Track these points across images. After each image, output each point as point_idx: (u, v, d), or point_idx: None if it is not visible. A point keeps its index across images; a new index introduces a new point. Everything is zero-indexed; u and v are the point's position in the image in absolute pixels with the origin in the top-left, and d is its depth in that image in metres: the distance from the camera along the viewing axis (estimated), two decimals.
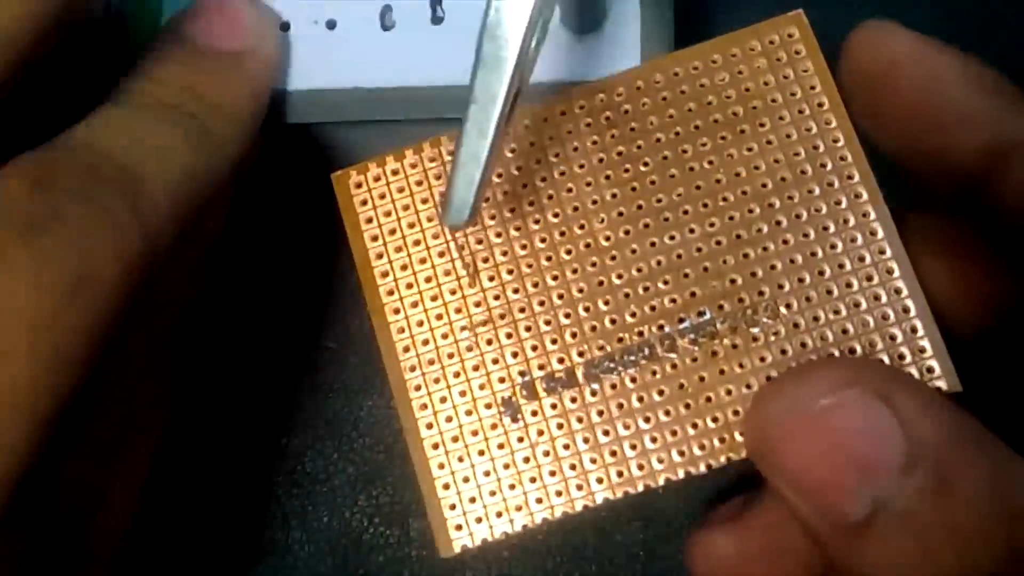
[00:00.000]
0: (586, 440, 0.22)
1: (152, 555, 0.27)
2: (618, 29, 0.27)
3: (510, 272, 0.23)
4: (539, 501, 0.22)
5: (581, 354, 0.22)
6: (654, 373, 0.22)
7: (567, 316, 0.23)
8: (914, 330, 0.22)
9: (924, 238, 0.23)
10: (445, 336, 0.23)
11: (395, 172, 0.24)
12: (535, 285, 0.23)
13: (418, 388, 0.23)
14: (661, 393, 0.22)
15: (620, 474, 0.22)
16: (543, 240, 0.23)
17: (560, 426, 0.22)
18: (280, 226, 0.32)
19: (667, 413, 0.22)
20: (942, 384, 0.21)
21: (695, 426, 0.22)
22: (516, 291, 0.23)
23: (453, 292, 0.23)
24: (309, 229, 0.31)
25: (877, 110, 0.22)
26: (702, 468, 0.22)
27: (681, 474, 0.22)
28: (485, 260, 0.23)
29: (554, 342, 0.22)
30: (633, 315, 0.22)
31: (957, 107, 0.22)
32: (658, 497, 0.30)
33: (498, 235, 0.23)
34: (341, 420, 0.30)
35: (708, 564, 0.25)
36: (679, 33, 0.26)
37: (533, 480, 0.22)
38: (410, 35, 0.27)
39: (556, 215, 0.23)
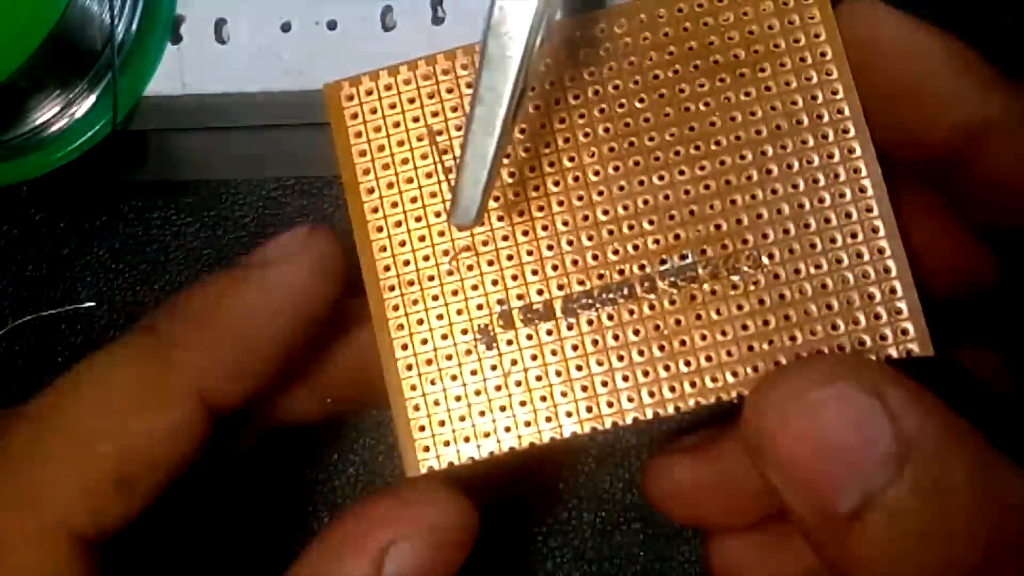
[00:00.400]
0: (558, 373, 0.22)
1: (149, 555, 0.27)
2: None
3: (496, 199, 0.23)
4: (507, 430, 0.22)
5: (560, 287, 0.22)
6: (631, 312, 0.22)
7: (549, 248, 0.22)
8: (893, 291, 0.22)
9: (913, 196, 0.23)
10: (427, 258, 0.23)
11: (388, 88, 0.23)
12: (520, 214, 0.23)
13: (396, 308, 0.23)
14: (637, 333, 0.22)
15: (589, 409, 0.22)
16: (532, 169, 0.23)
17: (534, 357, 0.22)
18: (280, 224, 0.32)
19: (641, 353, 0.22)
20: (914, 347, 0.21)
21: (667, 368, 0.22)
22: (500, 219, 0.23)
23: (438, 215, 0.23)
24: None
25: (857, 86, 0.22)
26: (670, 410, 0.22)
27: (649, 414, 0.22)
28: None
29: (534, 273, 0.22)
30: (615, 253, 0.22)
31: (934, 84, 0.22)
32: None
33: None
34: (342, 421, 0.31)
35: (662, 488, 0.25)
36: None
37: (503, 409, 0.22)
38: (411, 36, 0.27)
39: (547, 145, 0.23)
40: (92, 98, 0.28)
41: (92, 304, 0.33)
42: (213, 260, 0.33)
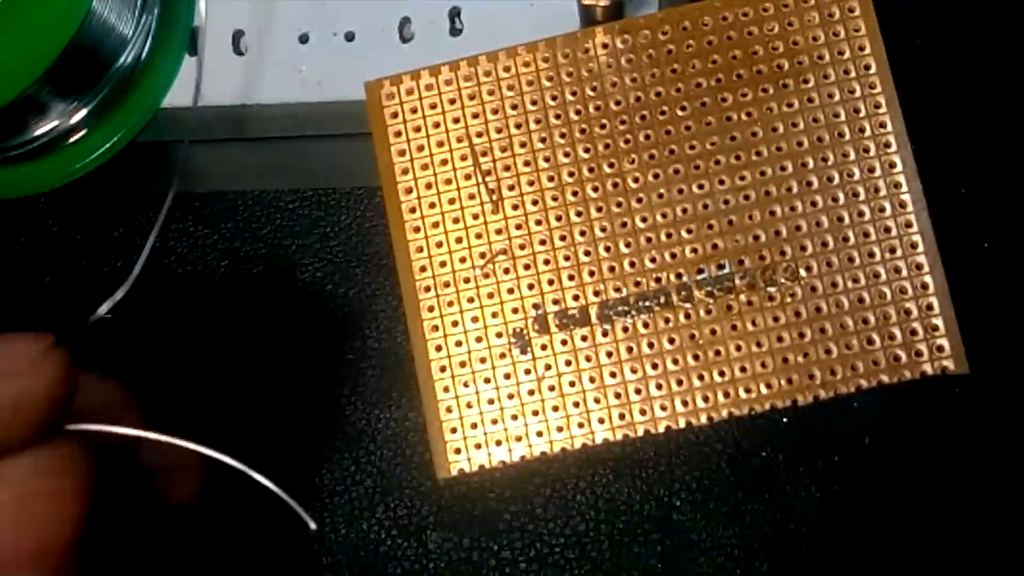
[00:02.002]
0: (592, 379, 0.22)
1: (169, 566, 0.27)
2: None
3: (535, 203, 0.23)
4: (539, 434, 0.22)
5: (597, 293, 0.22)
6: (667, 321, 0.22)
7: (587, 254, 0.22)
8: (930, 307, 0.22)
9: None
10: (463, 260, 0.23)
11: (429, 87, 0.23)
12: (558, 219, 0.23)
13: (431, 309, 0.23)
14: (672, 341, 0.22)
15: (622, 416, 0.22)
16: (571, 174, 0.23)
17: (568, 363, 0.22)
18: (298, 236, 0.32)
19: (675, 362, 0.22)
20: (950, 364, 0.21)
21: (701, 378, 0.22)
22: (539, 223, 0.23)
23: (475, 217, 0.23)
24: (328, 238, 0.31)
25: None
26: (703, 420, 0.22)
27: (682, 423, 0.22)
28: (511, 188, 0.23)
29: (571, 278, 0.22)
30: (653, 260, 0.22)
31: None
32: (675, 508, 0.30)
33: (526, 164, 0.23)
34: (359, 432, 0.30)
35: None
36: None
37: (535, 413, 0.22)
38: (429, 47, 0.27)
39: (587, 150, 0.23)
40: (110, 109, 0.28)
41: (108, 316, 0.33)
42: (230, 272, 0.33)
